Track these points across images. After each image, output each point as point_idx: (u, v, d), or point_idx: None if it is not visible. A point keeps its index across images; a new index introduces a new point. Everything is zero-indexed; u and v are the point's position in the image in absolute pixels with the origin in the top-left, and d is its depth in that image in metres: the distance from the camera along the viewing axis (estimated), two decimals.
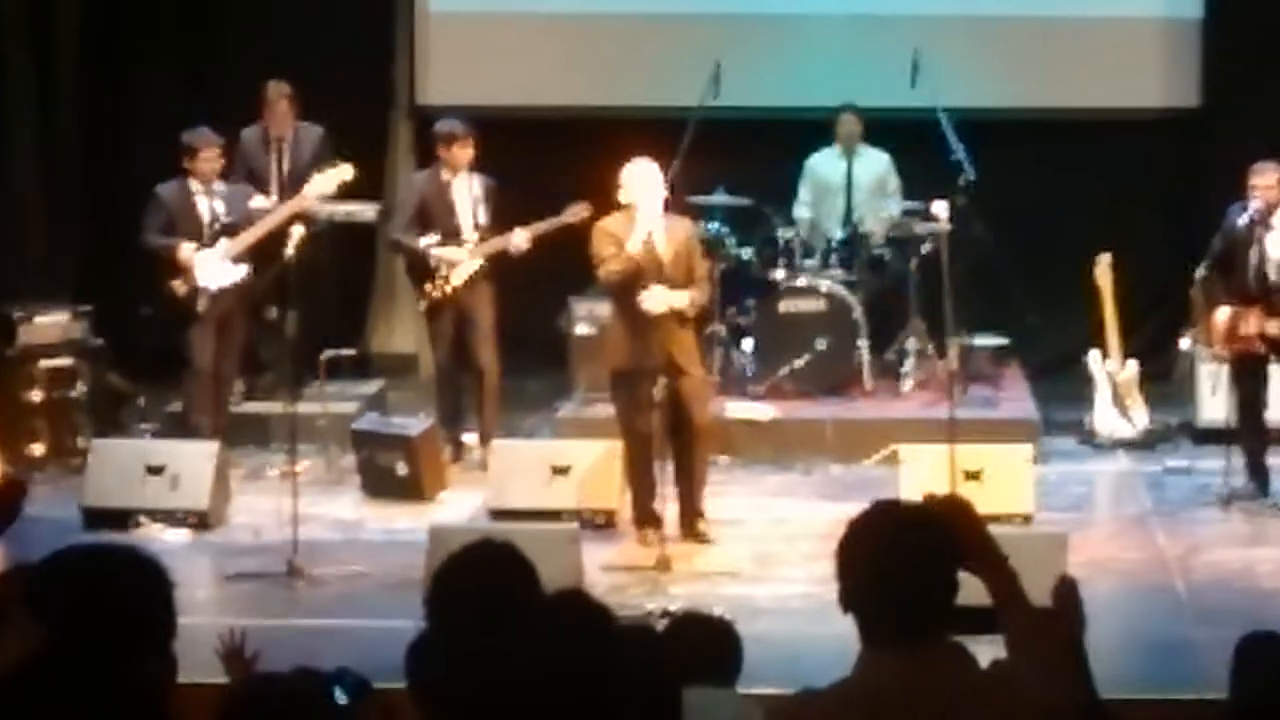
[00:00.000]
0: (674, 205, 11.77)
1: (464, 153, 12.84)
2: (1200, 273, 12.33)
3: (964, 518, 4.30)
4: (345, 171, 13.02)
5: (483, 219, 12.87)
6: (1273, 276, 11.99)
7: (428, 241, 12.80)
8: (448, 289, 12.83)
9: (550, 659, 3.52)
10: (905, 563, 4.07)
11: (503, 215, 12.89)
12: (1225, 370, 12.52)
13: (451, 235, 12.85)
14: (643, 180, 11.09)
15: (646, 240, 11.02)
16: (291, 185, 13.23)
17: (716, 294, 13.04)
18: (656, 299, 10.97)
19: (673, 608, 9.04)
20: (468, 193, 12.90)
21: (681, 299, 11.09)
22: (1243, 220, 12.02)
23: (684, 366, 11.16)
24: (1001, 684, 4.18)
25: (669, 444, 11.21)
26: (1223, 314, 12.04)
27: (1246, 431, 12.26)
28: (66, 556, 4.34)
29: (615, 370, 11.30)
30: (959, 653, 4.14)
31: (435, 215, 12.91)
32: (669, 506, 11.20)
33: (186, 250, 12.58)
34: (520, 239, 12.67)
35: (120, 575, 4.22)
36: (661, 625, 6.52)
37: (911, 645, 4.06)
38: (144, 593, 4.20)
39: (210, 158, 12.73)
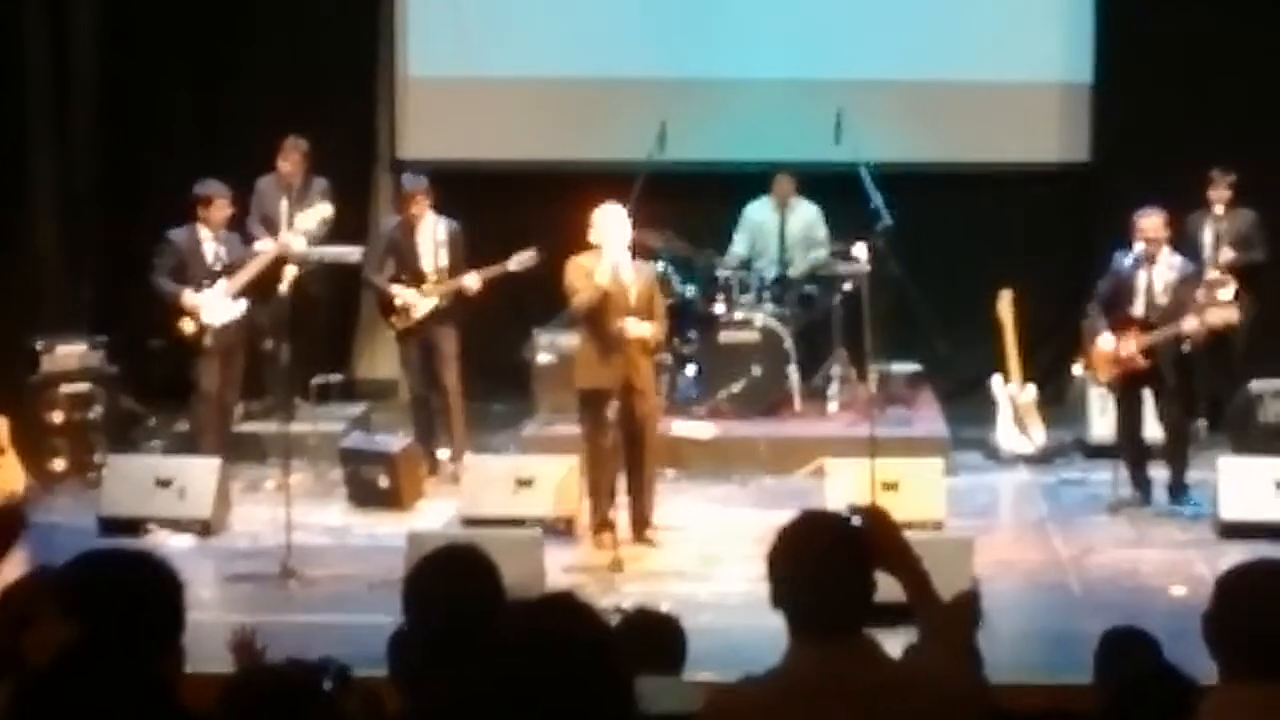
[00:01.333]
0: (639, 249, 11.80)
1: (421, 206, 12.89)
2: (1089, 309, 12.37)
3: (882, 525, 4.30)
4: (324, 210, 13.11)
5: (443, 261, 12.87)
6: (1159, 303, 12.02)
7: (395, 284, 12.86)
8: (409, 322, 12.87)
9: (516, 656, 3.50)
10: (825, 565, 4.07)
11: (474, 254, 12.88)
12: (1110, 394, 12.55)
13: (415, 275, 12.86)
14: (610, 221, 11.13)
15: (613, 273, 11.03)
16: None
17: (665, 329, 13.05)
18: (636, 327, 11.02)
19: (625, 604, 9.01)
20: (431, 238, 12.91)
21: (649, 330, 11.13)
22: (1128, 261, 12.07)
23: (641, 390, 11.18)
24: (912, 672, 4.18)
25: (623, 458, 11.22)
26: (1105, 341, 12.06)
27: (1128, 448, 12.30)
28: (90, 559, 4.32)
29: (582, 391, 11.32)
30: (874, 645, 4.14)
31: (402, 257, 12.94)
32: (621, 514, 11.19)
33: (190, 295, 12.58)
34: (472, 280, 12.70)
35: (139, 575, 4.21)
36: (615, 620, 6.47)
37: (832, 638, 4.05)
38: (159, 591, 4.19)
39: (222, 206, 12.75)
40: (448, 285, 12.81)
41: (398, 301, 12.86)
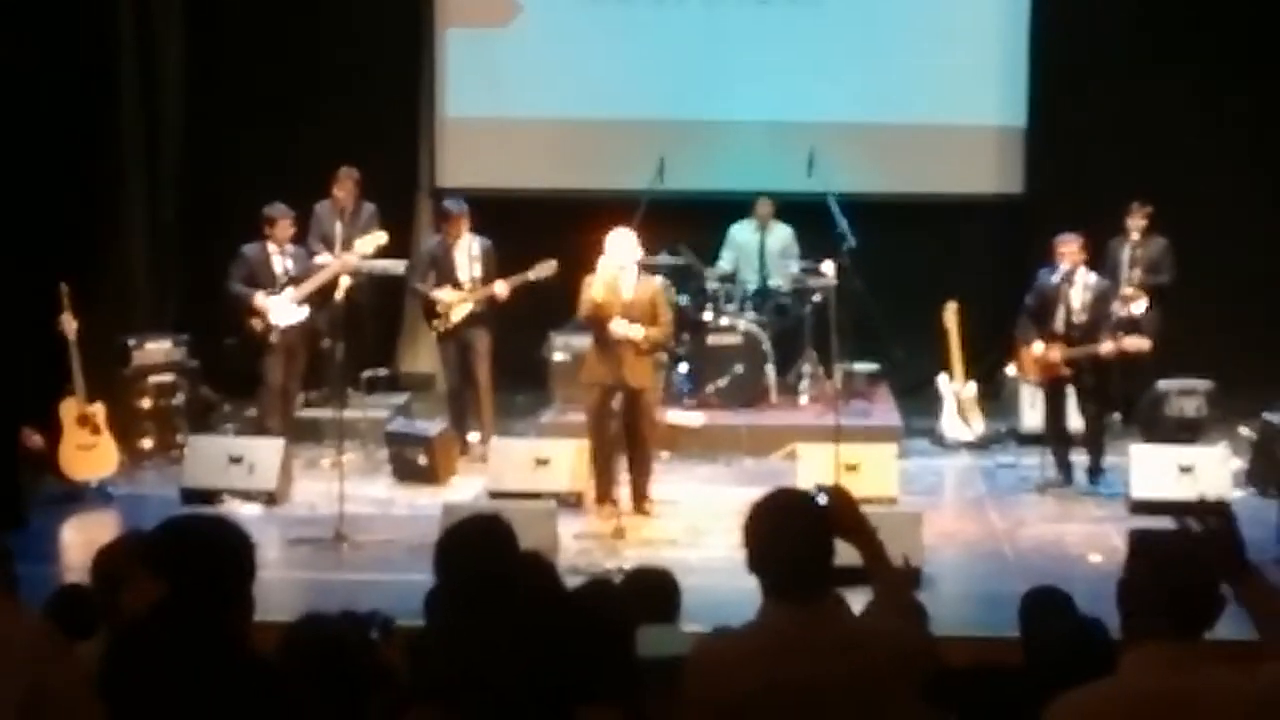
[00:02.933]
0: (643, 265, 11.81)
1: (457, 225, 12.89)
2: (1019, 320, 12.37)
3: (843, 501, 4.30)
4: (380, 237, 13.07)
5: (477, 273, 12.86)
6: (1075, 320, 12.04)
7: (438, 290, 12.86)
8: (449, 325, 12.86)
9: (533, 612, 3.50)
10: (792, 535, 4.07)
11: (502, 267, 12.87)
12: (1040, 391, 12.55)
13: (454, 285, 12.86)
14: (616, 242, 11.14)
15: (612, 285, 11.02)
16: (349, 247, 13.23)
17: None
18: (618, 327, 10.98)
19: (626, 566, 9.01)
20: (466, 253, 12.91)
21: (636, 331, 11.07)
22: (1054, 279, 12.07)
23: (634, 386, 11.15)
24: (870, 629, 4.18)
25: (625, 444, 11.22)
26: (1036, 348, 12.08)
27: (1053, 438, 12.29)
28: (174, 524, 4.32)
29: (586, 384, 11.33)
30: (838, 603, 4.14)
31: (442, 270, 12.93)
32: (622, 490, 11.19)
33: (260, 299, 12.62)
34: (501, 288, 12.68)
35: (218, 536, 4.22)
36: (618, 580, 6.46)
37: (799, 599, 4.05)
38: (235, 549, 4.20)
39: (285, 225, 12.80)
40: (481, 293, 12.81)
41: (439, 307, 12.85)
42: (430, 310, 13.02)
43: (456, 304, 12.83)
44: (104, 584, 4.80)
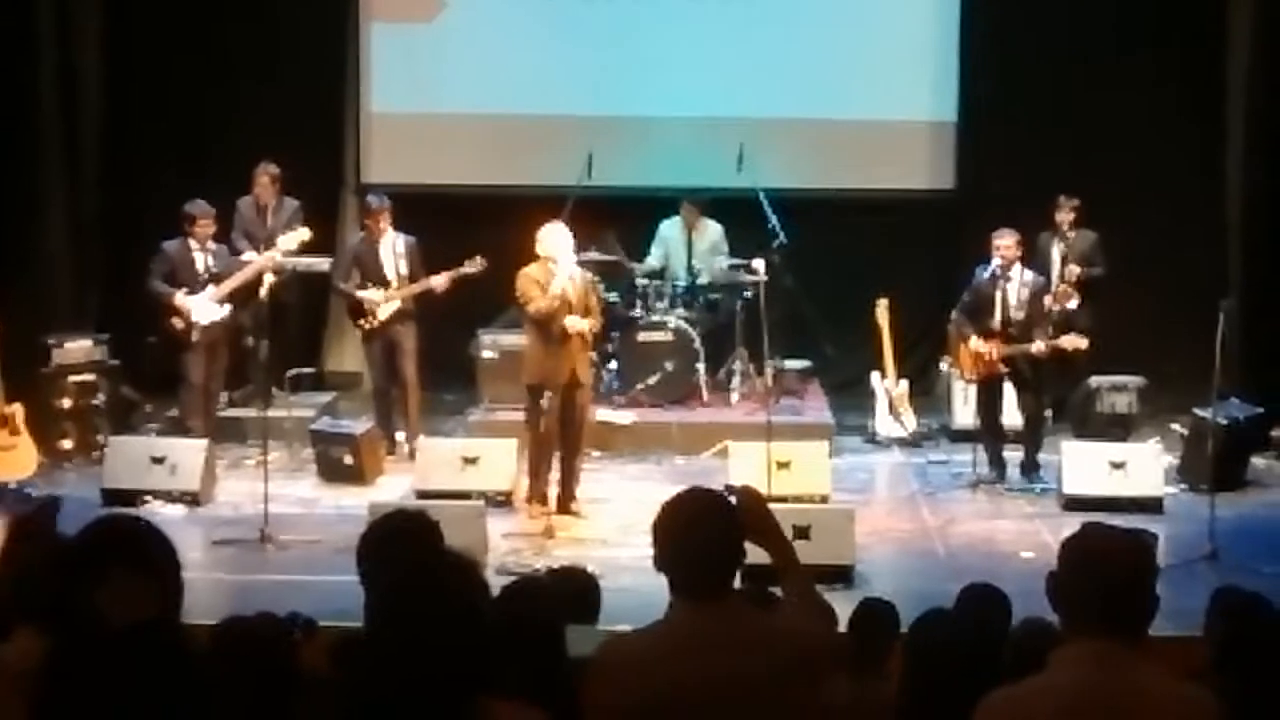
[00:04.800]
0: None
1: (379, 220, 12.89)
2: (953, 316, 12.43)
3: (753, 503, 4.31)
4: (304, 233, 13.02)
5: (403, 270, 12.87)
6: (1012, 316, 12.11)
7: (363, 291, 12.82)
8: (375, 323, 12.83)
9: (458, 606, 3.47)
10: (698, 534, 4.06)
11: (428, 265, 12.85)
12: (972, 388, 12.60)
13: (379, 283, 12.84)
14: (560, 238, 11.13)
15: (550, 280, 11.03)
16: (273, 243, 13.15)
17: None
18: (577, 322, 11.01)
19: (556, 565, 8.99)
20: (391, 251, 12.91)
21: (587, 325, 11.16)
22: (987, 275, 12.14)
23: (581, 380, 11.19)
24: (777, 627, 4.19)
25: (559, 441, 11.20)
26: (973, 344, 12.14)
27: (988, 434, 12.35)
28: (133, 522, 4.21)
29: (531, 384, 11.25)
30: (743, 604, 4.15)
31: (367, 269, 12.91)
32: (551, 489, 11.17)
33: (181, 297, 12.53)
34: (439, 281, 12.67)
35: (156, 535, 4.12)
36: (546, 579, 6.45)
37: (706, 598, 4.05)
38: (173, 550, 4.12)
39: (206, 223, 12.70)
40: (412, 288, 12.79)
41: (366, 305, 12.81)
42: (356, 309, 12.98)
43: (384, 302, 12.80)
44: (71, 577, 4.68)
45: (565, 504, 11.24)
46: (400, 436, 12.99)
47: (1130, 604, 3.70)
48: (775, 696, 4.01)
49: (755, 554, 4.24)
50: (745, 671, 3.98)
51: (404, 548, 4.55)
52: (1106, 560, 3.71)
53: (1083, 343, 12.10)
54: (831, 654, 4.28)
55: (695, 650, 4.00)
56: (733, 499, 4.24)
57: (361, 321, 12.95)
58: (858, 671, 5.61)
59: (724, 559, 4.07)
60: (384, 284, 12.86)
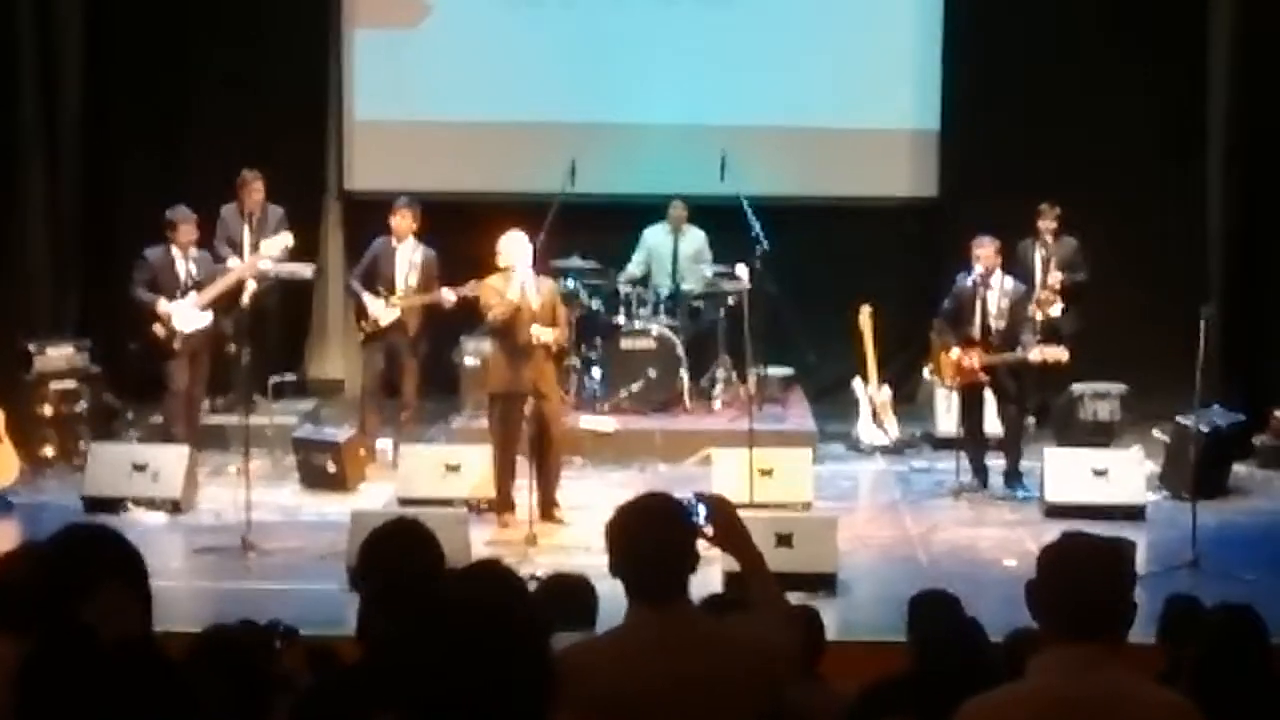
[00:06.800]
0: (540, 268, 11.82)
1: (401, 221, 12.87)
2: (935, 324, 12.46)
3: (723, 511, 4.31)
4: (286, 239, 13.05)
5: (413, 281, 12.87)
6: (993, 324, 12.15)
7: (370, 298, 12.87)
8: (376, 328, 12.86)
9: (457, 617, 3.46)
10: (648, 538, 4.07)
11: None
12: (955, 395, 12.63)
13: (387, 288, 12.84)
14: (516, 246, 11.16)
15: (522, 290, 11.03)
16: (256, 250, 13.16)
17: (572, 335, 13.07)
18: (543, 332, 11.03)
19: (539, 573, 9.00)
20: (408, 259, 12.91)
21: (551, 334, 11.17)
22: (969, 282, 12.18)
23: (546, 392, 11.20)
24: (733, 632, 4.21)
25: (535, 451, 11.21)
26: (954, 353, 12.17)
27: (970, 441, 12.38)
28: (109, 532, 4.20)
29: (493, 393, 11.33)
30: (696, 610, 4.19)
31: (380, 271, 12.91)
32: (532, 497, 11.12)
33: (163, 304, 12.53)
34: (449, 295, 12.61)
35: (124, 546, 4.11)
36: (531, 587, 6.45)
37: (659, 603, 4.05)
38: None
39: (188, 229, 12.68)
40: (419, 299, 12.80)
41: (370, 310, 12.83)
42: (360, 311, 13.00)
43: (385, 309, 12.81)
44: (58, 590, 4.67)
45: (547, 511, 11.24)
46: (383, 444, 12.98)
47: (1108, 610, 3.72)
48: (726, 701, 4.03)
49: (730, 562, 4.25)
50: (695, 675, 3.99)
51: (405, 559, 4.55)
52: (1084, 566, 3.73)
53: (1064, 355, 12.09)
54: (788, 661, 4.30)
55: (646, 654, 4.01)
56: (702, 509, 4.25)
57: (362, 324, 12.97)
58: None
59: (675, 562, 4.07)
60: (391, 290, 12.88)
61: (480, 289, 11.29)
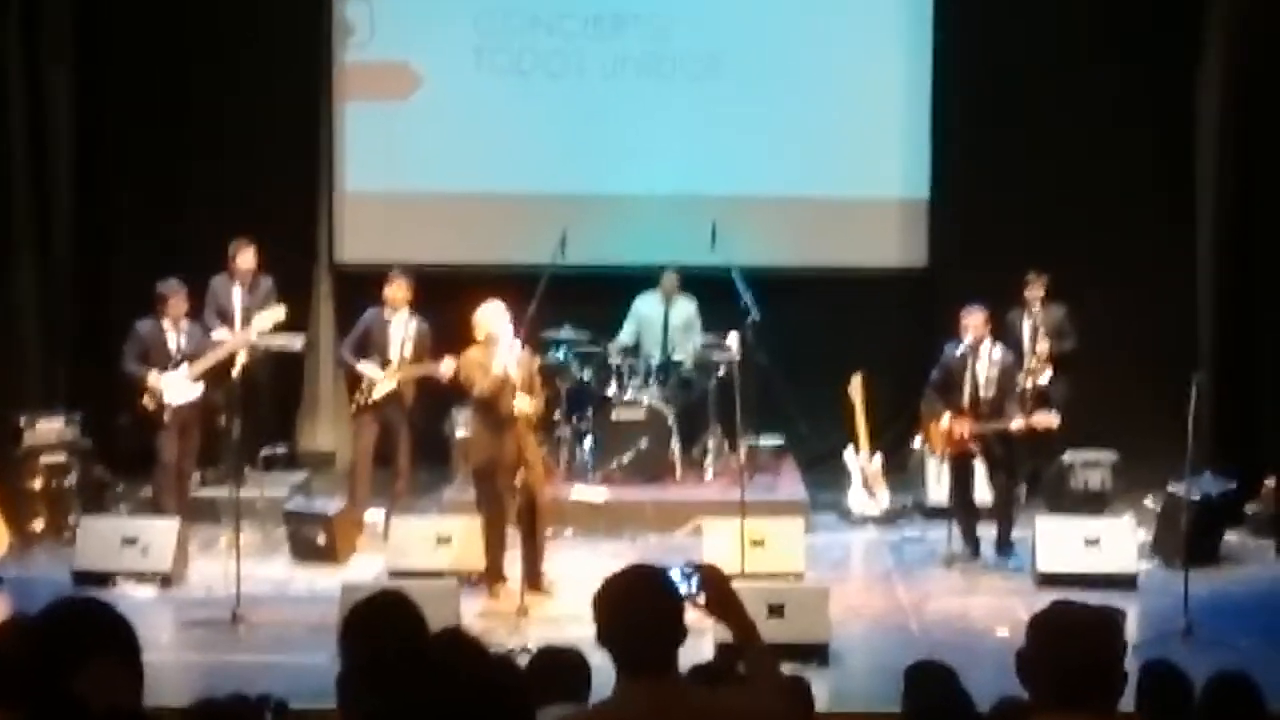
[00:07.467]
0: (531, 338, 11.84)
1: (395, 291, 12.89)
2: (925, 393, 12.48)
3: (715, 581, 4.31)
4: (278, 312, 13.06)
5: (407, 352, 12.89)
6: (983, 394, 12.17)
7: (364, 364, 12.87)
8: (369, 400, 12.85)
9: (437, 687, 3.47)
10: (636, 610, 4.07)
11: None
12: (946, 464, 12.64)
13: (383, 359, 12.86)
14: (497, 317, 11.18)
15: (492, 361, 11.08)
16: (247, 322, 13.20)
17: (564, 406, 13.11)
18: (524, 402, 11.04)
19: (530, 644, 8.99)
20: (402, 329, 12.92)
21: (532, 404, 11.18)
22: (959, 351, 12.20)
23: (530, 461, 11.19)
24: (726, 704, 4.19)
25: (523, 521, 11.21)
26: (944, 422, 12.19)
27: (961, 511, 12.38)
28: (98, 606, 4.18)
29: (478, 467, 11.32)
30: (686, 682, 4.17)
31: (374, 342, 12.92)
32: (518, 567, 11.14)
33: (154, 377, 12.55)
34: (447, 367, 12.54)
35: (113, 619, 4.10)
36: (522, 659, 6.43)
37: (648, 675, 4.04)
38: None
39: (178, 301, 12.71)
40: (412, 370, 12.81)
41: (364, 382, 12.85)
42: (354, 383, 12.99)
43: (380, 380, 12.81)
44: (48, 662, 4.65)
45: (535, 582, 11.22)
46: (371, 517, 12.96)
47: (1098, 680, 3.72)
48: None
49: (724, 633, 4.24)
50: None
51: (388, 630, 4.55)
52: (1074, 636, 3.74)
53: (1055, 421, 12.15)
54: None
55: None
56: (694, 579, 4.24)
57: (357, 395, 12.96)
58: None
59: (662, 634, 4.06)
60: (385, 362, 12.88)
61: (461, 362, 11.31)
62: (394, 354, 12.89)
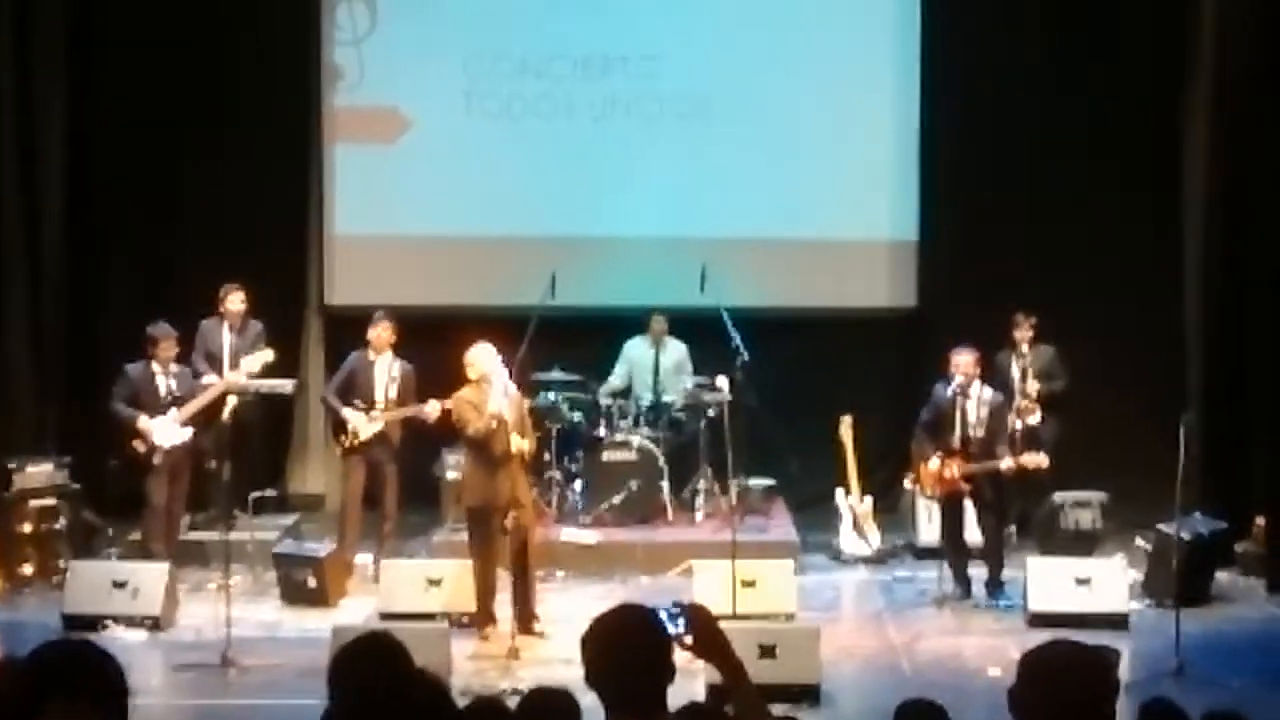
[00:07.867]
0: (520, 381, 11.86)
1: (380, 334, 12.89)
2: (915, 433, 12.49)
3: (703, 621, 4.28)
4: (266, 355, 13.10)
5: (392, 394, 12.88)
6: (972, 434, 12.18)
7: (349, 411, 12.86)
8: (355, 442, 12.83)
9: None
10: (624, 651, 4.05)
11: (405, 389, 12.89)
12: (936, 505, 12.65)
13: (366, 402, 12.84)
14: (489, 357, 11.22)
15: (485, 401, 11.09)
16: (236, 365, 13.21)
17: (554, 448, 13.10)
18: (519, 442, 11.09)
19: (521, 686, 8.97)
20: (386, 372, 12.91)
21: (527, 444, 11.25)
22: (949, 392, 12.22)
23: (523, 501, 11.21)
24: None
25: (514, 563, 11.21)
26: (934, 463, 12.20)
27: (952, 551, 12.38)
28: (78, 647, 4.17)
29: (471, 507, 11.32)
30: None
31: (358, 385, 12.91)
32: (508, 610, 11.13)
33: (144, 420, 12.56)
34: (433, 408, 12.57)
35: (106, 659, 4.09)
36: (513, 701, 6.41)
37: (635, 716, 4.02)
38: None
39: (168, 345, 12.75)
40: (400, 413, 12.81)
41: (350, 425, 12.82)
42: (339, 426, 12.98)
43: (365, 423, 12.81)
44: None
45: (526, 624, 11.21)
46: (362, 559, 12.94)
47: (1089, 718, 3.72)
48: None
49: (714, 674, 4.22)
50: None
51: (373, 670, 4.54)
52: (1065, 676, 3.73)
53: (1044, 461, 12.17)
54: None
55: None
56: (681, 617, 4.23)
57: (342, 438, 12.95)
58: None
59: (650, 674, 4.04)
60: (371, 404, 12.87)
61: (454, 403, 11.31)
62: (379, 396, 12.89)
